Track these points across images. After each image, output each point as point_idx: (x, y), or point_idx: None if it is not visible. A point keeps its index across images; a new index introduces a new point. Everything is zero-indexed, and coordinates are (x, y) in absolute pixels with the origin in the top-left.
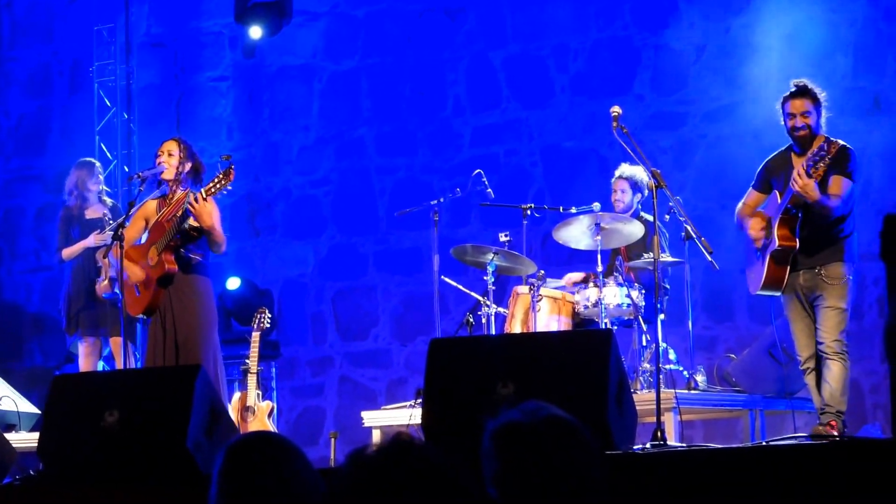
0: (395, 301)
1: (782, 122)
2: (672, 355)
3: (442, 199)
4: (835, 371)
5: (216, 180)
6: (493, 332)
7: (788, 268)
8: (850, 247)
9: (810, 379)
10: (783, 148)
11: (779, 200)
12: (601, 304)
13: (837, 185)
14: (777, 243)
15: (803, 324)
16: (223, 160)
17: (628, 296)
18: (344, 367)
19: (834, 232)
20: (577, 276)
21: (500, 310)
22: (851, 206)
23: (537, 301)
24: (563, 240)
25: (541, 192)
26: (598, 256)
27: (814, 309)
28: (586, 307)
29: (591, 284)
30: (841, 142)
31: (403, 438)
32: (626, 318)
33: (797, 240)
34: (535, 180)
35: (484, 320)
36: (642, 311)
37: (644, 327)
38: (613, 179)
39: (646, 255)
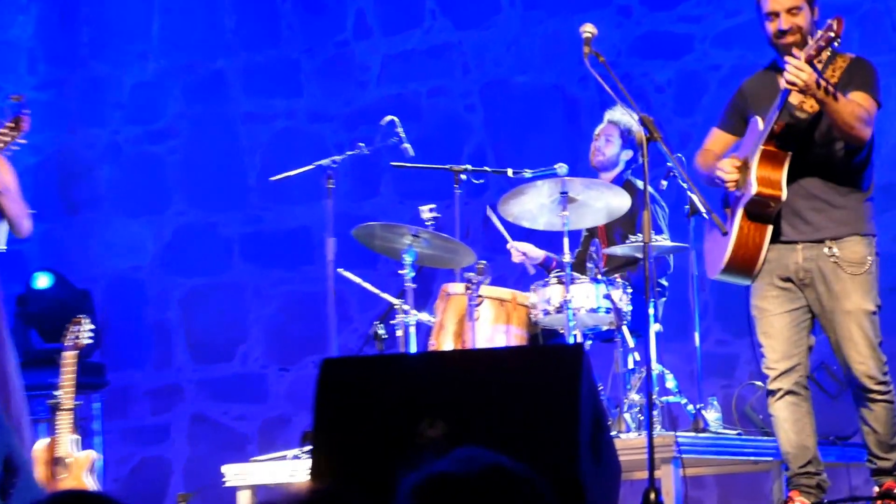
0: (273, 306)
1: (762, 30)
2: (671, 382)
3: (338, 159)
4: (879, 412)
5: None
6: (413, 348)
7: (769, 233)
8: (870, 213)
9: (780, 409)
10: (764, 67)
11: (760, 128)
12: (568, 307)
13: (861, 101)
14: (754, 189)
15: (786, 320)
16: (13, 102)
17: (607, 297)
18: (198, 401)
19: (850, 182)
20: (537, 251)
21: (424, 317)
22: (870, 147)
23: (476, 305)
24: (514, 217)
25: (481, 149)
26: (565, 240)
27: (813, 310)
28: (547, 312)
29: (552, 280)
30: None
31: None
32: (604, 328)
33: (784, 189)
34: (472, 131)
35: (400, 332)
36: (628, 318)
37: (631, 342)
38: (599, 128)
39: (633, 238)
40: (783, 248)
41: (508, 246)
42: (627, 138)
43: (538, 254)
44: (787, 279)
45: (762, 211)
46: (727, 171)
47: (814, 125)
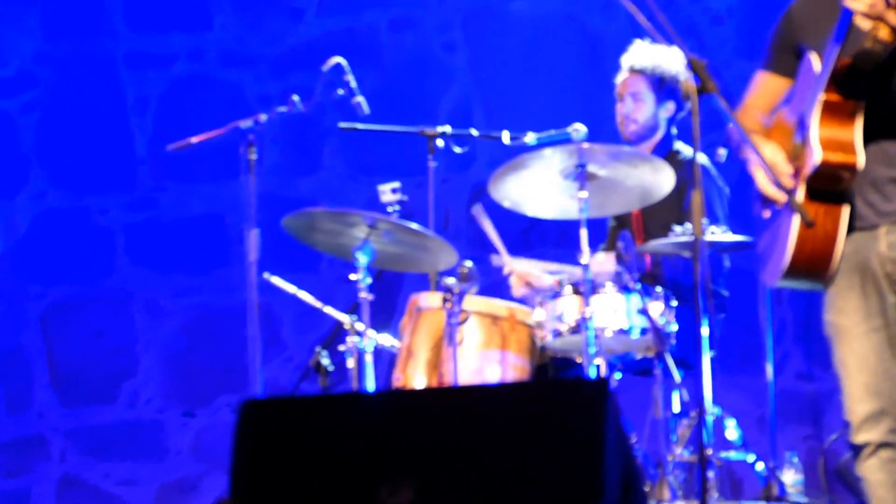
0: (172, 325)
1: None
2: (734, 432)
3: (263, 120)
4: None
5: None
6: (371, 385)
7: (844, 216)
8: None
9: (873, 469)
10: None
11: (817, 70)
12: (588, 327)
13: None
14: (818, 156)
15: (871, 344)
16: None
17: (643, 312)
18: (69, 459)
19: None
20: (545, 276)
21: (386, 340)
22: None
23: (459, 323)
24: (512, 202)
25: (465, 105)
26: (583, 234)
27: None
28: (558, 334)
29: (566, 289)
30: None
31: None
32: (638, 356)
33: (860, 152)
34: (453, 80)
35: (352, 362)
36: (672, 342)
37: (677, 376)
38: (619, 79)
39: (678, 230)
40: (861, 237)
41: (506, 270)
42: (662, 88)
43: (547, 282)
44: (871, 280)
45: (832, 186)
46: (778, 163)
47: (893, 62)
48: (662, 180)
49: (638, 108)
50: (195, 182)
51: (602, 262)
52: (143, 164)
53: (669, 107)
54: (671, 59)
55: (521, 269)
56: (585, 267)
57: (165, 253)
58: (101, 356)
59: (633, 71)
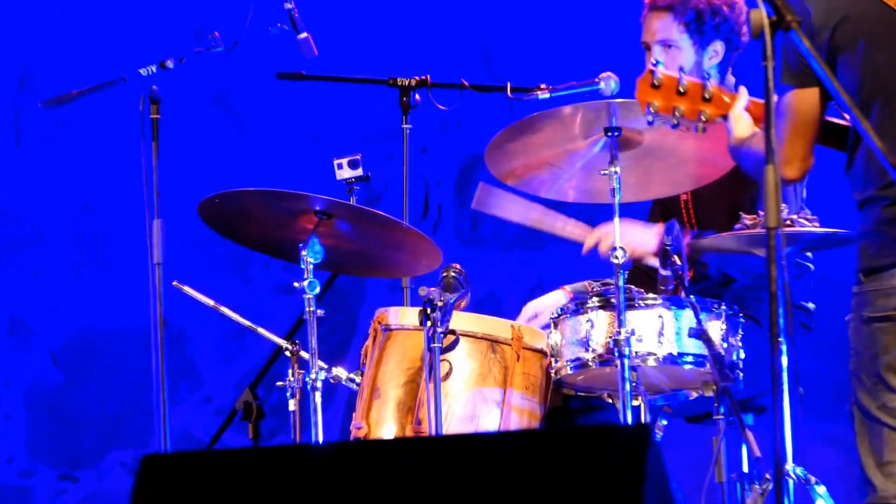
0: (41, 350)
1: None
2: (824, 502)
3: (170, 66)
4: None
5: None
6: (319, 435)
7: None
8: None
9: None
10: None
11: None
12: (622, 355)
13: None
14: None
15: None
16: None
17: (697, 334)
18: None
19: None
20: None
21: (341, 374)
22: None
23: (443, 349)
24: (517, 180)
25: (454, 45)
26: (616, 225)
27: None
28: (580, 364)
29: (591, 300)
30: None
31: None
32: (692, 394)
33: None
34: (435, 9)
35: (294, 403)
36: (738, 371)
37: (746, 421)
38: (646, 22)
39: (747, 219)
40: None
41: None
42: (702, 25)
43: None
44: None
45: None
46: None
47: None
48: (724, 151)
49: (672, 60)
50: (75, 151)
51: (637, 233)
52: (3, 126)
53: (717, 48)
54: None
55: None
56: (620, 269)
57: (31, 253)
58: None
59: (655, 9)
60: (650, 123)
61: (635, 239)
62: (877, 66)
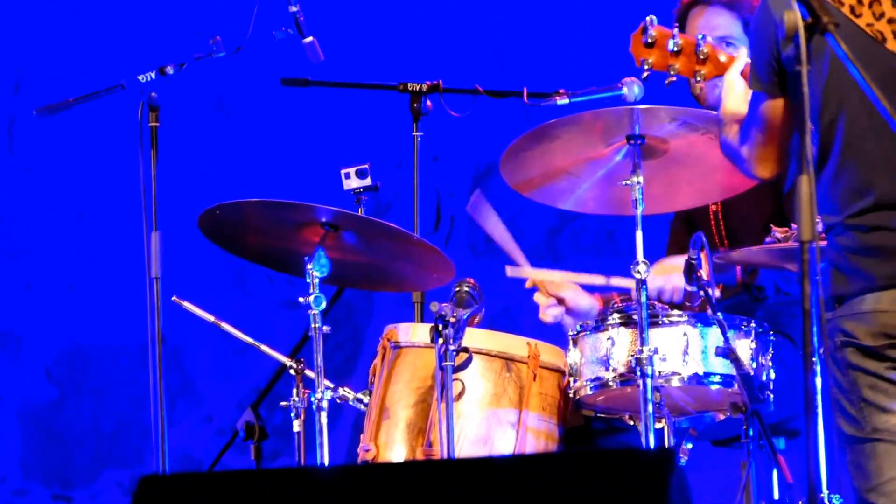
0: (34, 365)
1: None
2: None
3: (170, 73)
4: None
5: None
6: (325, 458)
7: None
8: None
9: None
10: None
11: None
12: (645, 374)
13: None
14: None
15: None
16: None
17: (725, 353)
18: None
19: None
20: (584, 297)
21: (348, 394)
22: None
23: (456, 368)
24: (533, 189)
25: (466, 49)
26: (639, 236)
27: None
28: (600, 384)
29: (611, 317)
30: None
31: None
32: (719, 416)
33: None
34: (447, 10)
35: (299, 424)
36: (768, 392)
37: (775, 450)
38: (691, 15)
39: (778, 232)
40: None
41: (528, 284)
42: (748, 27)
43: (586, 303)
44: None
45: None
46: None
47: None
48: None
49: (715, 53)
50: (71, 159)
51: (669, 270)
52: None
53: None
54: None
55: (549, 280)
56: (642, 284)
57: (25, 264)
58: None
59: (716, 3)
60: (644, 80)
61: (670, 281)
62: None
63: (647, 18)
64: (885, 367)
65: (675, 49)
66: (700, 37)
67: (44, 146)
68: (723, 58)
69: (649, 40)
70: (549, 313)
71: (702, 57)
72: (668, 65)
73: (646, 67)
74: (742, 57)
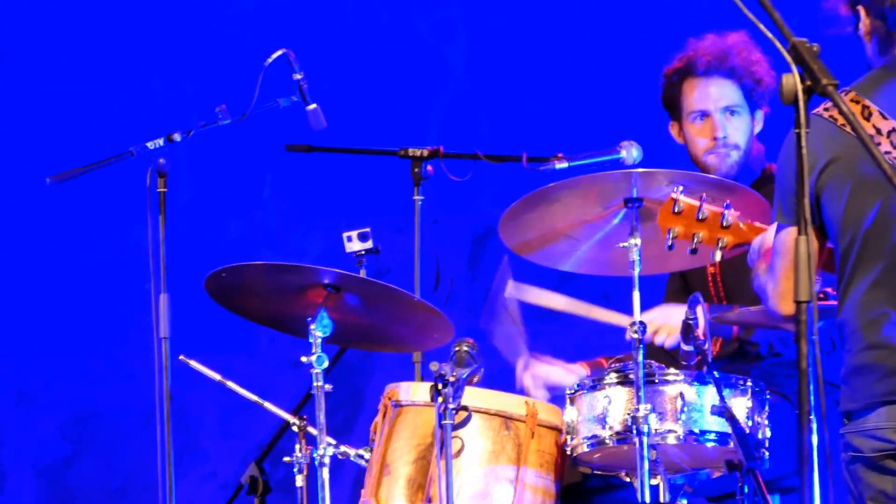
0: (49, 424)
1: None
2: None
3: (177, 140)
4: None
5: None
6: None
7: None
8: None
9: None
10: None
11: None
12: (641, 433)
13: None
14: None
15: None
16: None
17: (721, 412)
18: None
19: None
20: (570, 371)
21: (350, 451)
22: None
23: (455, 426)
24: (531, 252)
25: (466, 117)
26: (635, 296)
27: None
28: (597, 442)
29: (608, 376)
30: None
31: None
32: (715, 474)
33: None
34: (449, 80)
35: (302, 479)
36: (764, 449)
37: None
38: (694, 86)
39: None
40: None
41: (518, 370)
42: (753, 94)
43: (571, 382)
44: None
45: None
46: None
47: None
48: (753, 220)
49: (736, 128)
50: (82, 226)
51: (667, 313)
52: (7, 202)
53: (760, 116)
54: (754, 50)
55: (541, 373)
56: (640, 344)
57: (41, 326)
58: None
59: (716, 74)
60: (670, 248)
61: (669, 326)
62: (862, 210)
63: (676, 189)
64: (889, 482)
65: (701, 218)
66: (725, 205)
67: (53, 211)
68: (743, 227)
69: (677, 209)
70: (535, 394)
71: (724, 224)
72: (693, 234)
73: (671, 237)
74: (771, 230)
